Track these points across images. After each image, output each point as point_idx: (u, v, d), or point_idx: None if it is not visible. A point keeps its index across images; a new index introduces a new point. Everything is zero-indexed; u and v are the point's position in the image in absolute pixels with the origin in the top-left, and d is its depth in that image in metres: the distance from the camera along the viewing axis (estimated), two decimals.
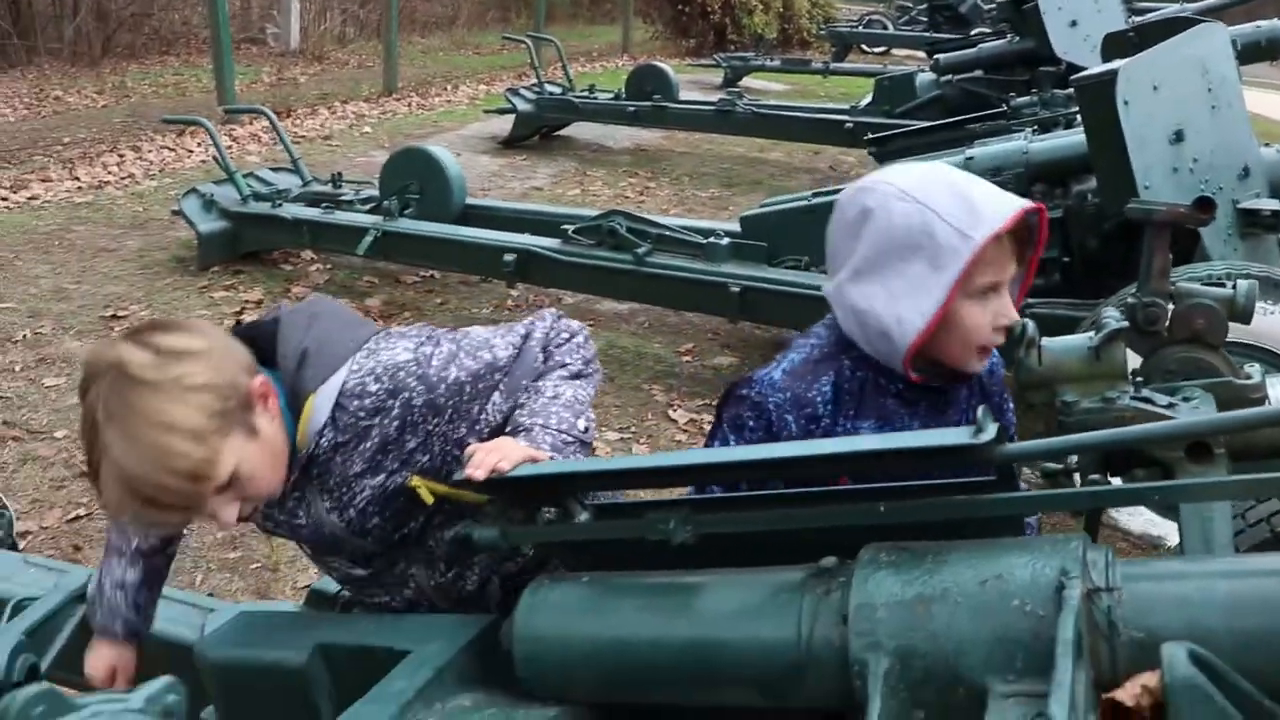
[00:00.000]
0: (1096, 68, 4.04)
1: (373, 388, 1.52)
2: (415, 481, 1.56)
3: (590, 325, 5.36)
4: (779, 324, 5.19)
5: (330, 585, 1.96)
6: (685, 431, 4.48)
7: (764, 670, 1.09)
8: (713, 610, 1.14)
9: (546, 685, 1.22)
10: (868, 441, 1.29)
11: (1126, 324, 2.01)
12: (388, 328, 1.66)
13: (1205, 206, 2.83)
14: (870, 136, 6.76)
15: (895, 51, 16.79)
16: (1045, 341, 1.90)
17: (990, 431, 1.01)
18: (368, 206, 6.02)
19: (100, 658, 1.76)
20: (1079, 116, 4.20)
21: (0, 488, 3.66)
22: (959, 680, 0.96)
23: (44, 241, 6.68)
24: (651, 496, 1.36)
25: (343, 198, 6.19)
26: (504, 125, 10.19)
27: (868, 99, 9.19)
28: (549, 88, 10.15)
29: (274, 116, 6.59)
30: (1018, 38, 7.65)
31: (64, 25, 13.52)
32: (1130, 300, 2.65)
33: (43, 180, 8.05)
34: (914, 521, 1.09)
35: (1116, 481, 1.76)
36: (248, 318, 5.09)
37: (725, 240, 4.91)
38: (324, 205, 6.10)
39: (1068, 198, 4.28)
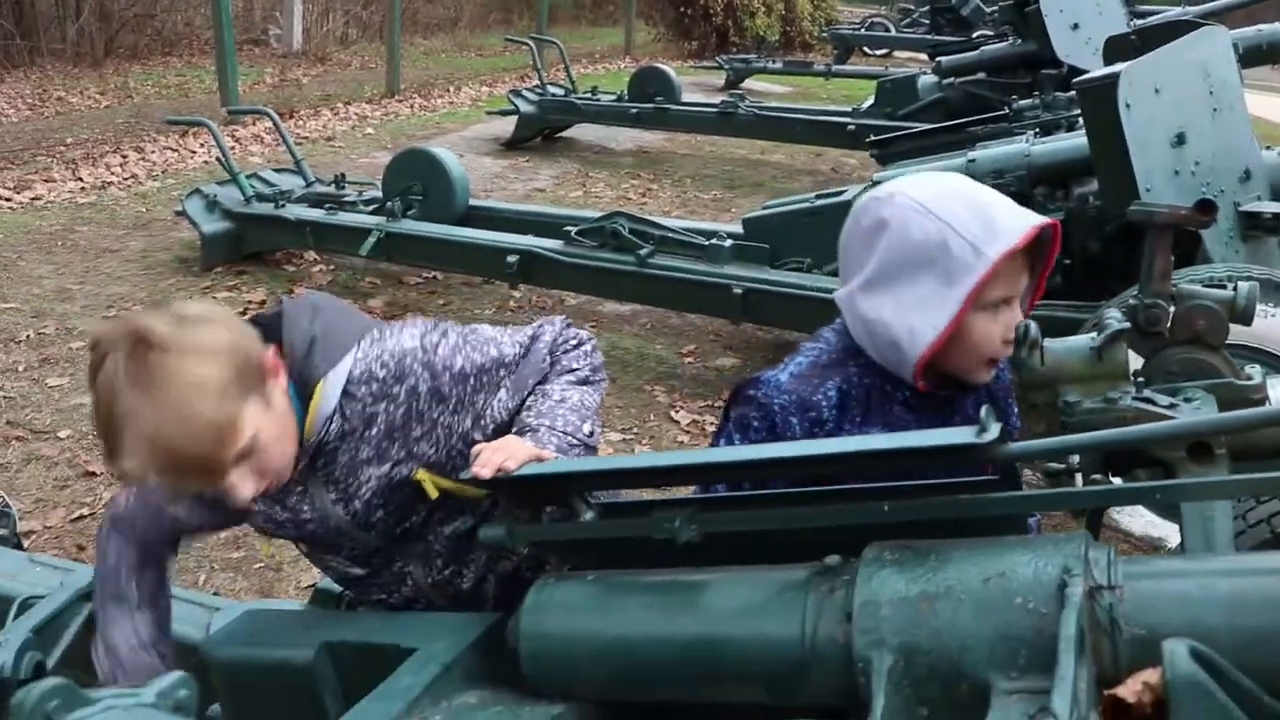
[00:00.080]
0: (1098, 71, 4.05)
1: (380, 373, 1.53)
2: (421, 475, 1.57)
3: (593, 326, 5.43)
4: (781, 325, 5.20)
5: (335, 584, 1.96)
6: (687, 432, 4.48)
7: (769, 667, 1.10)
8: (718, 608, 1.15)
9: (552, 682, 1.23)
10: (872, 441, 1.29)
11: (1128, 325, 2.02)
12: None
13: (1206, 209, 2.84)
14: (872, 139, 6.75)
15: (897, 54, 16.78)
16: (1048, 342, 1.91)
17: (993, 431, 1.02)
18: (371, 208, 6.04)
19: None
20: (1081, 119, 4.21)
21: (4, 487, 3.67)
22: (962, 677, 0.97)
23: (47, 242, 6.70)
24: (654, 495, 1.37)
25: (346, 199, 6.20)
26: (506, 127, 10.20)
27: (870, 101, 9.18)
28: (551, 89, 10.16)
29: (277, 117, 6.60)
30: (1020, 40, 7.66)
31: (67, 26, 13.53)
32: (1132, 302, 2.67)
33: (46, 181, 8.06)
34: (917, 520, 1.10)
35: (1118, 481, 1.77)
36: None
37: (727, 242, 4.91)
38: (327, 206, 6.11)
39: (1069, 200, 4.28)
